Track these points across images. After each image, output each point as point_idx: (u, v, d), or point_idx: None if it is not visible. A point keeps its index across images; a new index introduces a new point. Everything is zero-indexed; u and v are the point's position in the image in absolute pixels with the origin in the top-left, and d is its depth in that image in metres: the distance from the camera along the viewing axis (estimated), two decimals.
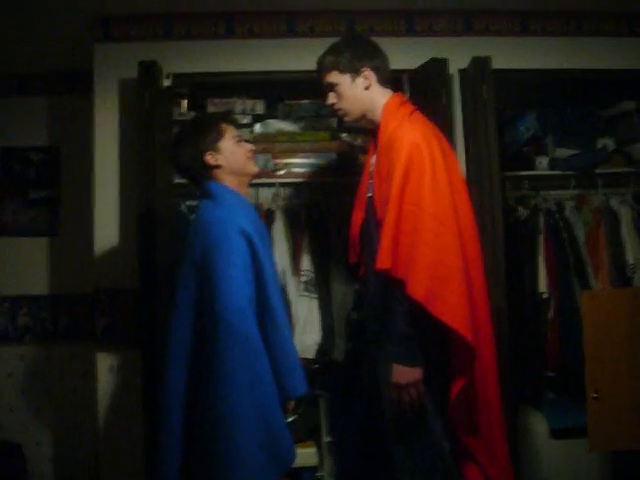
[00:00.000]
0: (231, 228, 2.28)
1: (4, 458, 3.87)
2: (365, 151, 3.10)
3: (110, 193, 3.46)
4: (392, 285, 2.25)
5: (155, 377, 2.59)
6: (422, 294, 2.16)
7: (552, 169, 3.63)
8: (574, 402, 3.33)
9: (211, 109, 3.54)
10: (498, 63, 3.28)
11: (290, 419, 2.40)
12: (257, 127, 3.59)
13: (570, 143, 3.68)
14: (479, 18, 3.60)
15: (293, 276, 3.36)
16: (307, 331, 3.29)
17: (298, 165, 3.53)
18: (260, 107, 3.60)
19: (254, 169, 2.55)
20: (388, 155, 2.33)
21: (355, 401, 3.35)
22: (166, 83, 3.32)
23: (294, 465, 2.36)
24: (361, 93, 2.47)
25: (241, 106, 3.57)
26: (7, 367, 4.12)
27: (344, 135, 3.58)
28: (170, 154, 2.55)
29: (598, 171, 3.63)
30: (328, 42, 2.57)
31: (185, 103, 3.48)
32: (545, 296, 3.42)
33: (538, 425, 3.41)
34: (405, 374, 2.24)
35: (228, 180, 2.45)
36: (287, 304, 3.23)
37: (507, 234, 3.26)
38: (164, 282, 3.00)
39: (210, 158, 2.43)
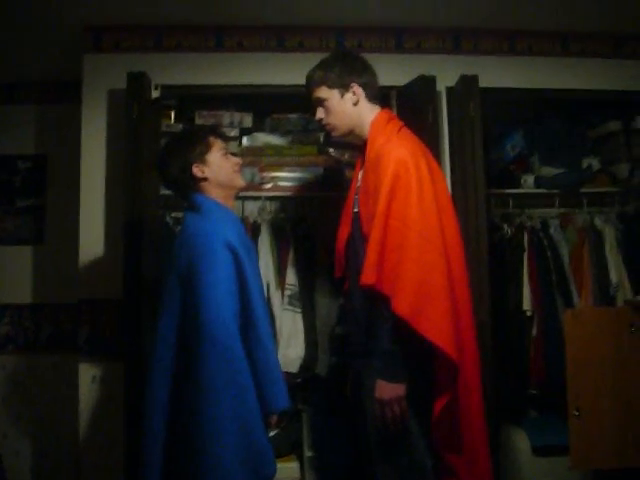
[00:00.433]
0: (217, 241, 2.28)
1: None
2: (352, 166, 3.11)
3: (96, 203, 3.45)
4: (377, 301, 2.24)
5: (138, 389, 2.57)
6: (407, 310, 2.16)
7: (538, 187, 3.66)
8: (556, 420, 3.34)
9: (199, 121, 3.55)
10: (486, 81, 3.33)
11: (272, 433, 2.39)
12: (245, 140, 3.60)
13: (556, 162, 3.71)
14: (467, 37, 3.64)
15: (278, 290, 3.36)
16: (291, 345, 3.28)
17: (285, 179, 3.55)
18: (248, 120, 3.62)
19: (241, 182, 2.55)
20: (375, 171, 2.33)
21: (338, 416, 3.35)
22: (154, 94, 3.34)
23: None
24: (349, 109, 2.47)
25: (229, 119, 3.58)
26: None
27: (331, 150, 3.59)
28: (158, 165, 2.54)
29: (583, 190, 3.66)
30: (317, 57, 2.57)
31: (173, 114, 3.49)
32: (529, 314, 3.44)
33: (520, 442, 3.42)
34: (388, 390, 2.23)
35: (215, 193, 2.45)
36: (272, 318, 3.23)
37: (492, 251, 3.29)
38: (148, 293, 2.99)
39: (197, 170, 2.43)
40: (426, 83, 3.32)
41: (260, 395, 2.26)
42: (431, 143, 2.86)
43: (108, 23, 3.47)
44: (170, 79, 3.41)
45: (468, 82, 3.31)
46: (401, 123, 2.51)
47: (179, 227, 3.12)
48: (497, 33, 3.64)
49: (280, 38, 3.56)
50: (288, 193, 3.53)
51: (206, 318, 2.19)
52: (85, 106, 3.49)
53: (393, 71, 3.35)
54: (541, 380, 3.44)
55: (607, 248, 3.56)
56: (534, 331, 3.46)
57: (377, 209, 2.26)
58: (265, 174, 3.53)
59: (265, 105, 3.66)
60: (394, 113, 2.62)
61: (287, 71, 3.43)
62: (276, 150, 3.58)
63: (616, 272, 3.51)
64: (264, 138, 3.61)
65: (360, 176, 2.53)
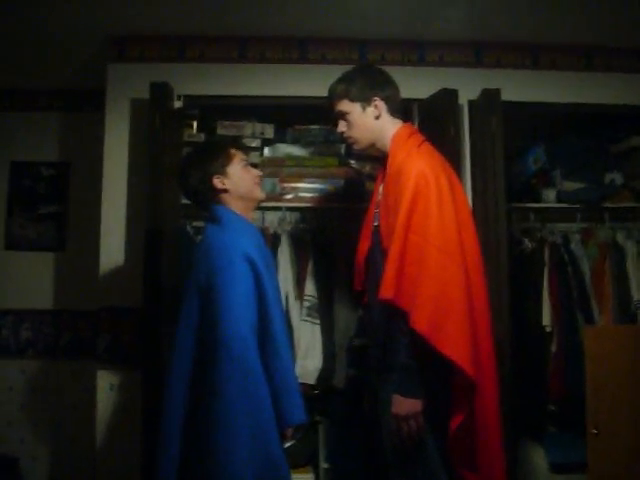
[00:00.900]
0: (235, 253, 2.29)
1: (0, 471, 3.85)
2: (373, 178, 3.11)
3: (117, 211, 3.47)
4: (395, 315, 2.24)
5: (155, 398, 2.58)
6: (425, 326, 2.15)
7: (559, 202, 3.64)
8: (575, 436, 3.30)
9: (221, 131, 3.57)
10: (508, 95, 3.31)
11: (288, 444, 2.39)
12: (266, 151, 3.62)
13: (578, 176, 3.68)
14: (490, 50, 3.63)
15: (297, 301, 3.36)
16: (309, 356, 3.29)
17: (305, 190, 3.55)
18: (269, 131, 3.63)
19: (261, 195, 2.56)
20: (395, 185, 2.33)
21: (354, 428, 3.35)
22: (177, 104, 3.36)
23: None
24: (371, 122, 2.47)
25: (250, 129, 3.60)
26: (8, 381, 4.12)
27: (352, 162, 3.59)
28: (178, 176, 2.56)
29: (605, 205, 3.64)
30: (339, 69, 2.58)
31: (195, 124, 3.51)
32: (548, 329, 3.41)
33: (538, 459, 3.40)
34: (405, 405, 2.22)
35: (235, 204, 2.46)
36: (290, 329, 3.23)
37: (512, 266, 3.26)
38: (168, 302, 3.00)
39: (218, 182, 2.44)
40: (448, 96, 3.31)
41: (276, 408, 2.26)
42: (452, 156, 2.85)
43: (132, 33, 3.50)
44: (193, 89, 3.44)
45: (490, 96, 3.30)
46: (422, 138, 2.51)
47: (199, 236, 3.14)
48: (520, 47, 3.63)
49: (302, 50, 3.57)
50: (308, 204, 3.54)
51: (224, 330, 2.20)
52: (108, 115, 3.52)
53: (415, 84, 3.35)
54: (560, 396, 3.41)
55: (629, 264, 3.53)
56: (554, 347, 3.43)
57: (397, 223, 2.26)
58: (286, 185, 3.55)
59: (287, 116, 3.68)
60: (416, 127, 2.61)
61: (309, 83, 3.44)
62: (297, 161, 3.60)
63: (637, 288, 3.47)
64: (286, 149, 3.62)
65: (381, 190, 2.53)
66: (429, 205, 2.26)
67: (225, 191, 2.45)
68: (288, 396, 2.32)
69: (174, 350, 2.38)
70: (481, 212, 3.21)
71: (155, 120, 3.18)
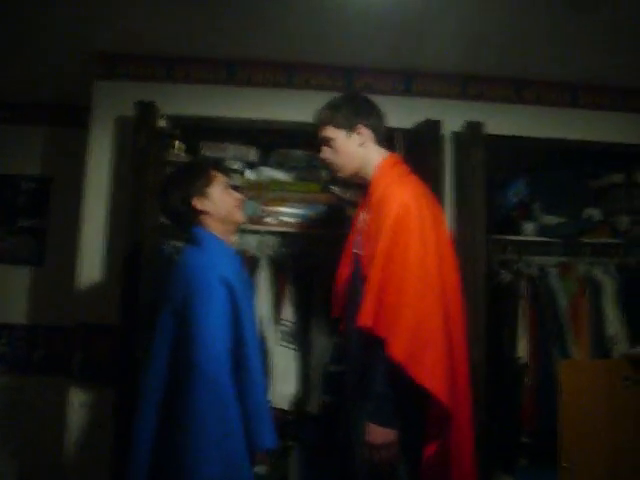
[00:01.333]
0: (213, 276, 2.28)
1: None
2: (354, 205, 3.12)
3: (97, 228, 3.46)
4: (372, 343, 2.24)
5: (127, 417, 2.55)
6: (402, 355, 2.15)
7: (538, 235, 3.67)
8: (547, 469, 3.30)
9: (205, 152, 3.56)
10: (491, 128, 3.35)
11: (258, 469, 2.37)
12: (249, 173, 3.61)
13: (558, 210, 3.71)
14: (475, 83, 3.67)
15: (273, 325, 3.34)
16: (283, 381, 3.27)
17: (287, 214, 3.56)
18: (253, 154, 3.64)
19: (241, 218, 2.56)
20: (377, 214, 2.34)
21: (327, 454, 3.32)
22: (160, 124, 3.35)
23: None
24: (355, 150, 2.49)
25: (234, 152, 3.60)
26: None
27: (334, 187, 3.60)
28: (159, 196, 2.55)
29: (583, 240, 3.67)
30: (325, 95, 2.60)
31: (179, 145, 3.50)
32: (523, 361, 3.41)
33: None
34: (379, 434, 2.21)
35: (214, 226, 2.46)
36: (266, 353, 3.22)
37: (490, 297, 3.28)
38: (144, 321, 2.98)
39: (198, 203, 2.43)
40: (431, 127, 3.35)
41: (248, 431, 2.24)
42: (434, 186, 2.87)
43: (121, 51, 3.51)
44: (179, 109, 3.43)
45: (473, 128, 3.34)
46: (406, 168, 2.52)
47: (178, 256, 3.12)
48: (505, 81, 3.68)
49: (289, 74, 3.59)
50: (289, 229, 3.54)
51: (197, 352, 2.18)
52: (92, 131, 3.52)
53: (400, 113, 3.36)
54: (533, 428, 3.41)
55: (605, 299, 3.55)
56: (528, 379, 3.43)
57: (377, 252, 2.27)
58: (267, 208, 3.55)
59: (271, 139, 3.68)
60: (401, 158, 2.62)
61: (294, 107, 3.47)
62: (280, 185, 3.60)
63: (613, 324, 3.49)
64: (269, 172, 3.62)
65: (362, 216, 2.54)
66: (410, 235, 2.27)
67: (205, 213, 2.45)
68: (260, 420, 2.31)
69: (147, 369, 2.36)
70: (461, 243, 3.22)
71: (139, 139, 3.18)
